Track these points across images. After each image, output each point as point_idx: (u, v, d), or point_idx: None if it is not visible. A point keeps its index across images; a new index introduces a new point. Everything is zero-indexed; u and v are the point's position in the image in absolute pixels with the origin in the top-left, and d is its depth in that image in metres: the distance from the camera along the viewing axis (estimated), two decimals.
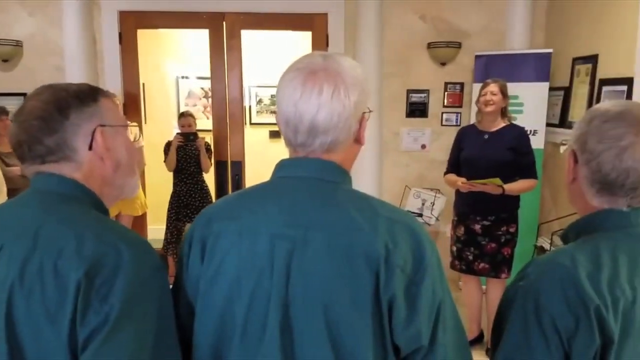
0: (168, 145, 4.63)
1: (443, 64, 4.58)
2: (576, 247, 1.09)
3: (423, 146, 4.70)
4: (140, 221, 4.75)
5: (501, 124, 3.37)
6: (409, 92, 4.63)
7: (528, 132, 3.48)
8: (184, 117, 4.65)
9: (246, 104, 5.95)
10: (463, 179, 3.30)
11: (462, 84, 4.62)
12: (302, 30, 4.72)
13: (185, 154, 4.61)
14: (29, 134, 1.03)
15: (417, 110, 4.66)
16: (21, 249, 0.94)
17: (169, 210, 4.72)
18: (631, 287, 1.01)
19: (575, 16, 4.04)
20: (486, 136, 3.37)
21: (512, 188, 3.23)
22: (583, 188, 1.12)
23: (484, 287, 3.63)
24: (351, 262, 0.96)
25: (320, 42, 4.55)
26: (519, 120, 3.64)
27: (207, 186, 4.75)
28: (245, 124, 5.48)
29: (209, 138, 4.76)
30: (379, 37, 4.42)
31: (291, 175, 1.08)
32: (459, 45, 4.48)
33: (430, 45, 4.49)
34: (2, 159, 3.77)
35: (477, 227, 3.38)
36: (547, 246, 3.70)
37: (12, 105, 4.00)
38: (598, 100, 3.60)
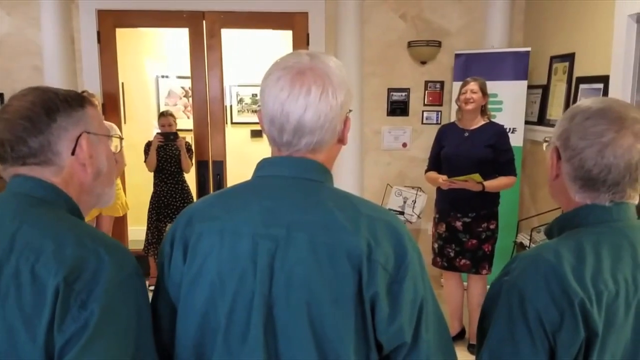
0: (148, 145, 4.60)
1: (423, 62, 4.61)
2: (560, 242, 1.11)
3: (404, 144, 4.73)
4: (120, 222, 4.70)
5: (481, 121, 3.41)
6: (390, 90, 4.66)
7: (507, 130, 3.52)
8: (164, 116, 4.62)
9: (227, 103, 5.93)
10: (444, 177, 3.33)
11: (442, 83, 4.66)
12: (283, 29, 4.71)
13: (165, 154, 4.58)
14: (14, 134, 1.01)
15: (397, 108, 4.69)
16: None
17: (149, 211, 4.68)
18: (614, 280, 1.03)
19: (552, 16, 4.10)
20: (466, 134, 3.40)
21: (491, 185, 3.27)
22: (566, 184, 1.14)
23: (465, 283, 3.66)
24: (334, 261, 0.96)
25: (301, 41, 4.55)
26: (498, 118, 3.68)
27: (188, 186, 4.73)
28: (227, 123, 5.46)
29: (189, 138, 4.74)
30: (360, 36, 4.43)
31: (273, 175, 1.08)
32: (438, 44, 4.51)
33: (410, 44, 4.52)
34: None
35: (458, 224, 3.41)
36: (526, 242, 3.75)
37: None
38: (575, 98, 3.66)
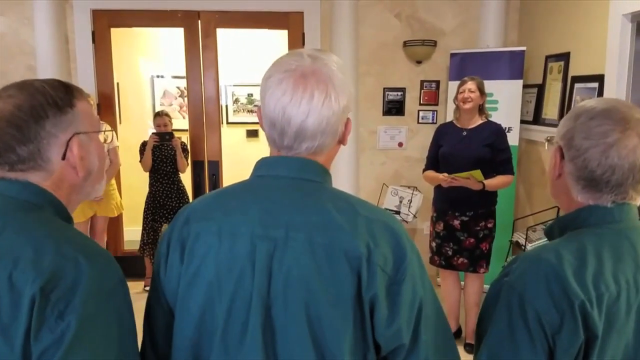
0: (143, 145, 4.59)
1: (419, 62, 4.61)
2: (561, 243, 1.10)
3: (400, 144, 4.73)
4: (116, 222, 4.70)
5: (479, 120, 3.42)
6: (386, 90, 4.66)
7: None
8: (160, 116, 4.60)
9: (222, 103, 5.92)
10: (445, 174, 3.33)
11: (437, 82, 4.66)
12: (278, 28, 4.71)
13: (161, 154, 4.57)
14: (2, 141, 0.97)
15: (393, 108, 4.69)
16: None
17: (145, 211, 4.67)
18: (615, 282, 1.02)
19: (547, 15, 4.11)
20: (464, 133, 3.41)
21: (491, 183, 3.29)
22: (569, 184, 1.13)
23: (462, 283, 3.67)
24: (333, 262, 0.96)
25: (296, 40, 4.55)
26: (494, 118, 3.68)
27: (183, 186, 4.72)
28: (222, 123, 5.45)
29: (185, 138, 4.73)
30: (355, 36, 4.43)
31: (271, 175, 1.07)
32: (434, 44, 4.51)
33: (405, 44, 4.52)
34: None
35: (456, 222, 3.42)
36: (522, 241, 3.75)
37: None
38: (571, 97, 3.67)
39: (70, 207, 1.08)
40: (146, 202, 4.67)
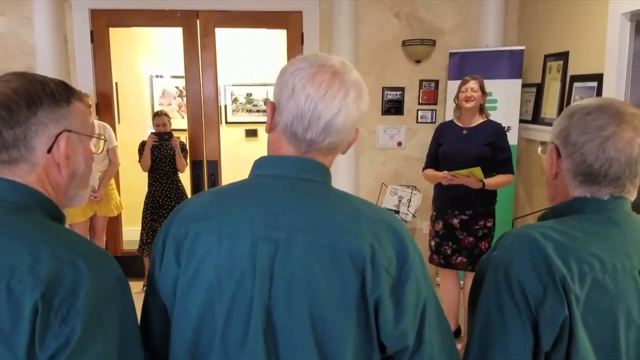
0: (142, 145, 4.58)
1: (418, 61, 4.60)
2: (550, 223, 1.14)
3: (399, 143, 4.73)
4: (115, 222, 4.70)
5: (479, 119, 3.42)
6: (385, 89, 4.65)
7: None
8: (159, 116, 4.60)
9: (221, 102, 5.91)
10: (445, 172, 3.33)
11: (436, 82, 4.66)
12: (277, 28, 4.70)
13: (160, 153, 4.57)
14: None
15: (392, 107, 4.69)
16: None
17: (144, 211, 4.66)
18: (601, 263, 1.05)
19: (546, 14, 4.11)
20: (465, 132, 3.42)
21: (491, 182, 3.29)
22: (566, 181, 1.15)
23: (461, 282, 3.67)
24: (336, 263, 0.95)
25: (295, 40, 4.55)
26: (493, 117, 3.68)
27: (182, 186, 4.71)
28: (221, 123, 5.44)
29: (184, 137, 4.72)
30: (354, 35, 4.43)
31: (270, 174, 1.06)
32: (433, 43, 4.51)
33: (405, 43, 4.52)
34: None
35: (455, 221, 3.42)
36: None
37: None
38: (570, 96, 3.67)
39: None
40: (145, 201, 4.66)
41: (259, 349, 0.95)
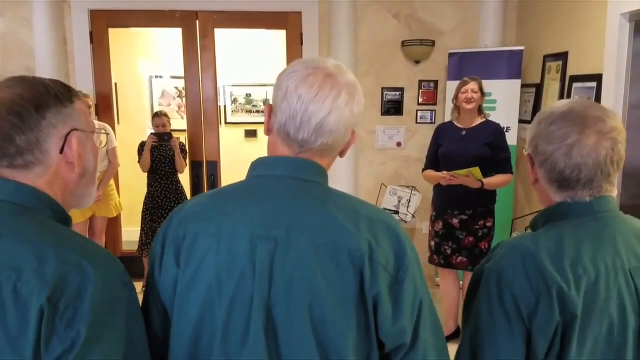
0: (142, 145, 4.58)
1: (417, 62, 4.61)
2: (541, 232, 1.16)
3: (398, 144, 4.73)
4: (114, 223, 4.69)
5: (478, 120, 3.43)
6: (384, 90, 4.66)
7: None
8: (158, 117, 4.59)
9: (221, 103, 5.91)
10: (444, 172, 3.34)
11: (436, 82, 4.66)
12: (277, 28, 4.70)
13: (159, 154, 4.56)
14: (1, 131, 0.94)
15: (392, 108, 4.69)
16: None
17: (143, 212, 4.65)
18: (594, 266, 1.06)
19: (545, 15, 4.11)
20: (464, 132, 3.42)
21: (490, 182, 3.29)
22: (545, 187, 1.19)
23: (461, 282, 3.67)
24: (335, 262, 0.96)
25: (295, 41, 4.55)
26: (492, 117, 3.69)
27: (182, 186, 4.71)
28: (220, 123, 5.44)
29: (183, 138, 4.72)
30: (354, 36, 4.43)
31: (268, 175, 1.06)
32: (432, 44, 4.51)
33: (404, 44, 4.52)
34: None
35: (455, 221, 3.42)
36: None
37: None
38: (569, 97, 3.67)
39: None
40: (145, 202, 4.66)
41: (261, 348, 0.95)
